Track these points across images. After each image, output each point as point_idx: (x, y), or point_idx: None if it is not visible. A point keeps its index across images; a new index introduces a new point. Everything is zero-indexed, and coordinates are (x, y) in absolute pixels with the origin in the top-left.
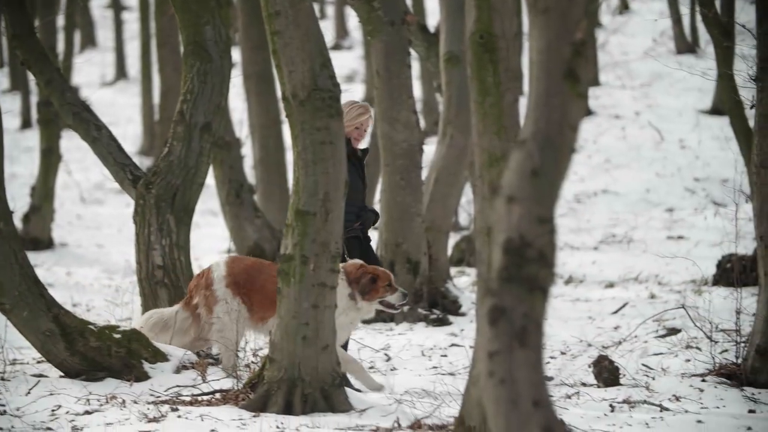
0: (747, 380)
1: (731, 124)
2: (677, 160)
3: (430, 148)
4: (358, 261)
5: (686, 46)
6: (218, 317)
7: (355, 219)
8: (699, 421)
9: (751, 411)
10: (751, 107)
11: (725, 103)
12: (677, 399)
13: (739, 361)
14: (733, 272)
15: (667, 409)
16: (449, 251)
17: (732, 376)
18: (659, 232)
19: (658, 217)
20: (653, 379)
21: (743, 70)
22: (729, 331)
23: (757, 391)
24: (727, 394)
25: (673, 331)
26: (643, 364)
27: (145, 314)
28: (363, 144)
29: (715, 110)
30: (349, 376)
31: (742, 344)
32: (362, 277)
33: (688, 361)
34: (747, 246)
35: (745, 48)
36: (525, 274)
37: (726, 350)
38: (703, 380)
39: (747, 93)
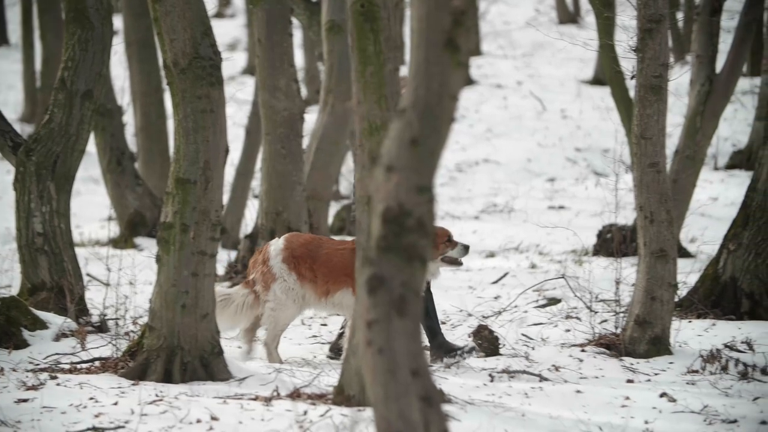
0: (626, 350)
1: (612, 95)
2: (558, 130)
3: (312, 117)
4: None
5: (568, 16)
6: (275, 295)
7: None
8: (578, 391)
9: (629, 381)
10: (632, 78)
11: (606, 73)
12: (557, 369)
13: (618, 331)
14: (613, 242)
15: (546, 379)
16: (330, 220)
17: (611, 346)
18: (540, 201)
19: (539, 186)
20: (533, 348)
21: (624, 40)
22: (608, 302)
23: (636, 361)
24: (606, 364)
25: (553, 301)
26: (523, 334)
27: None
28: None
29: (597, 80)
30: None
31: (622, 314)
32: None
33: (568, 331)
34: (627, 216)
35: (625, 18)
36: (404, 243)
37: (605, 320)
38: (583, 350)
39: (628, 63)
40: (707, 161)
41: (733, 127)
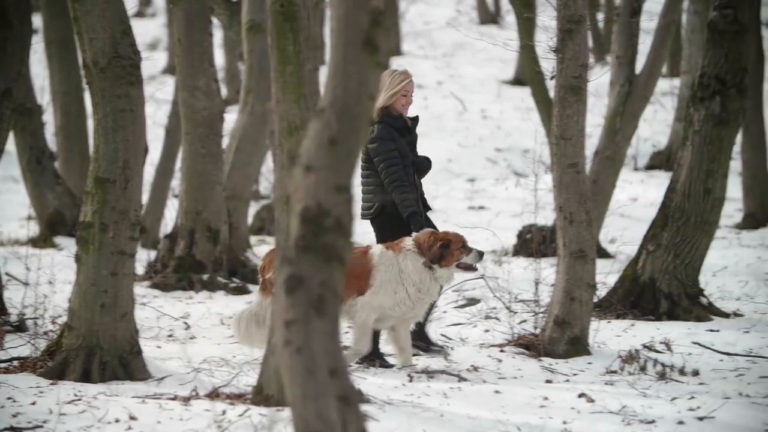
0: (545, 350)
1: (532, 95)
2: (479, 130)
3: (232, 117)
4: (428, 230)
5: (489, 16)
6: None
7: (414, 191)
8: (497, 392)
9: (548, 381)
10: (552, 78)
11: (527, 73)
12: (476, 369)
13: (537, 331)
14: (532, 243)
15: (465, 380)
16: (250, 220)
17: (530, 346)
18: (461, 202)
19: (459, 187)
20: (452, 349)
21: (544, 41)
22: (528, 302)
23: (555, 361)
24: (524, 365)
25: (473, 302)
26: (442, 334)
27: (234, 325)
28: (410, 112)
29: (517, 81)
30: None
31: (541, 315)
32: (434, 244)
33: (487, 331)
34: (547, 217)
35: (546, 19)
36: (322, 243)
37: (524, 321)
38: (502, 350)
39: (548, 64)
40: (627, 162)
41: (653, 128)
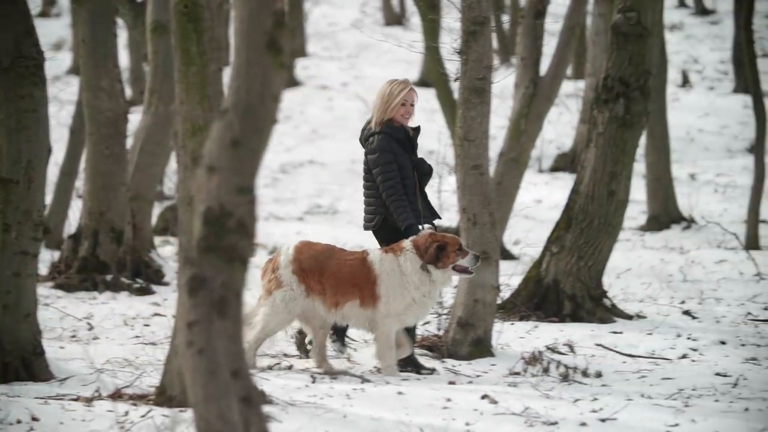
0: (448, 352)
1: (437, 97)
2: None
3: (137, 117)
4: (427, 231)
5: (394, 17)
6: (274, 301)
7: (413, 201)
8: (400, 393)
9: (451, 382)
10: (456, 80)
11: (431, 75)
12: (378, 371)
13: (441, 333)
14: None
15: (368, 381)
16: (153, 220)
17: (433, 347)
18: None
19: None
20: (355, 350)
21: (449, 42)
22: None
23: (458, 362)
24: (428, 366)
25: None
26: (346, 335)
27: None
28: (412, 122)
29: (422, 82)
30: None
31: (444, 316)
32: (430, 247)
33: None
34: (451, 218)
35: (451, 20)
36: (224, 244)
37: (428, 322)
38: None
39: (452, 66)
40: (531, 164)
41: (558, 130)
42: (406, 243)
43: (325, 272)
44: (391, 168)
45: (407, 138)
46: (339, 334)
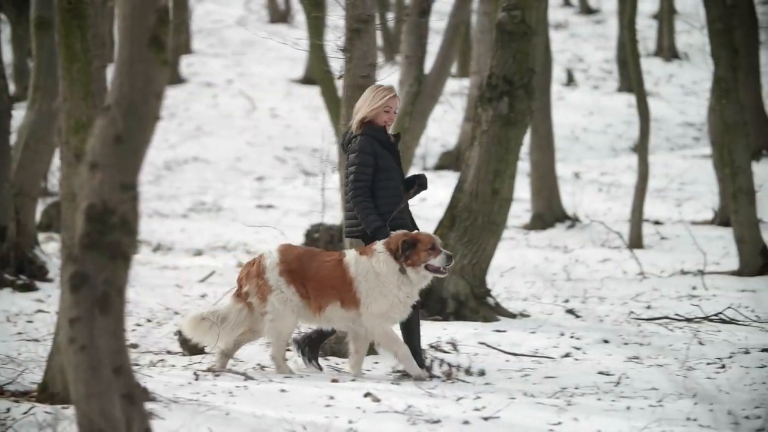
0: (331, 350)
1: (322, 94)
2: (268, 129)
3: (20, 113)
4: (401, 232)
5: (279, 15)
6: (273, 306)
7: (398, 203)
8: (283, 390)
9: (334, 380)
10: (340, 77)
11: (316, 73)
12: (262, 368)
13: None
14: (320, 242)
15: (251, 378)
16: (37, 217)
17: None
18: (249, 200)
19: (247, 185)
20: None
21: (333, 40)
22: None
23: (341, 360)
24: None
25: None
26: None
27: (190, 315)
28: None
29: (307, 80)
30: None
31: None
32: (402, 245)
33: None
34: (335, 216)
35: (335, 18)
36: (107, 241)
37: None
38: (288, 350)
39: (337, 63)
40: (416, 161)
41: (442, 128)
42: (378, 245)
43: (307, 275)
44: (364, 170)
45: (389, 141)
46: (312, 347)
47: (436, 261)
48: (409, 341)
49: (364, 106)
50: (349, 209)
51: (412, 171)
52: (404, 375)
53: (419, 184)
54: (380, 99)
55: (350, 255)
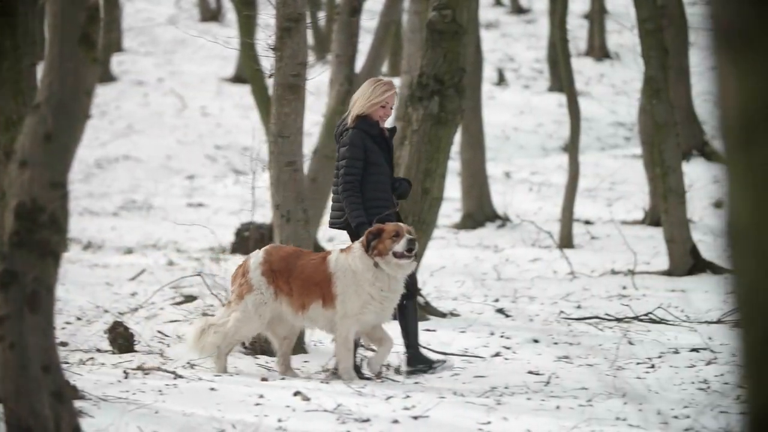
0: (261, 349)
1: (252, 93)
2: (199, 127)
3: None
4: (375, 226)
5: (210, 13)
6: (245, 307)
7: (387, 199)
8: (212, 389)
9: (264, 379)
10: (270, 76)
11: (247, 71)
12: (192, 366)
13: None
14: (250, 241)
15: (181, 377)
16: None
17: (246, 344)
18: (179, 199)
19: (178, 184)
20: (168, 346)
21: (263, 39)
22: None
23: (272, 359)
24: (241, 362)
25: (190, 299)
26: (159, 331)
27: (193, 328)
28: (388, 123)
29: (238, 78)
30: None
31: None
32: (367, 236)
33: None
34: (265, 215)
35: (266, 17)
36: (37, 239)
37: None
38: (218, 348)
39: (267, 62)
40: None
41: None
42: (356, 243)
43: (292, 273)
44: (355, 164)
45: (381, 136)
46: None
47: (399, 246)
48: (406, 335)
49: (361, 99)
50: (336, 200)
51: None
52: (334, 373)
53: (399, 194)
54: (380, 94)
55: (334, 253)
